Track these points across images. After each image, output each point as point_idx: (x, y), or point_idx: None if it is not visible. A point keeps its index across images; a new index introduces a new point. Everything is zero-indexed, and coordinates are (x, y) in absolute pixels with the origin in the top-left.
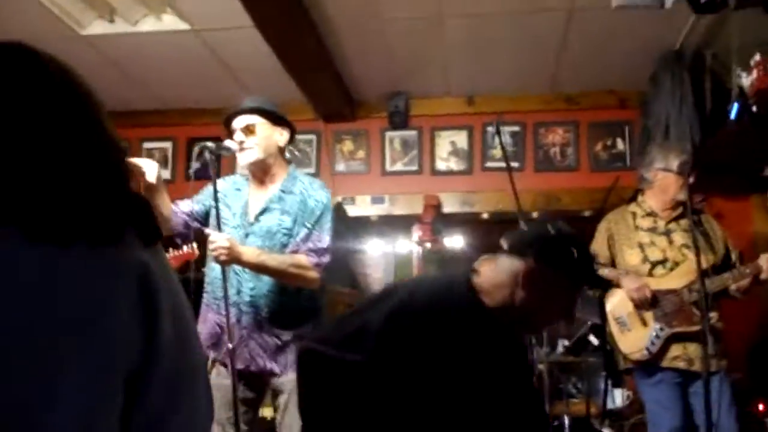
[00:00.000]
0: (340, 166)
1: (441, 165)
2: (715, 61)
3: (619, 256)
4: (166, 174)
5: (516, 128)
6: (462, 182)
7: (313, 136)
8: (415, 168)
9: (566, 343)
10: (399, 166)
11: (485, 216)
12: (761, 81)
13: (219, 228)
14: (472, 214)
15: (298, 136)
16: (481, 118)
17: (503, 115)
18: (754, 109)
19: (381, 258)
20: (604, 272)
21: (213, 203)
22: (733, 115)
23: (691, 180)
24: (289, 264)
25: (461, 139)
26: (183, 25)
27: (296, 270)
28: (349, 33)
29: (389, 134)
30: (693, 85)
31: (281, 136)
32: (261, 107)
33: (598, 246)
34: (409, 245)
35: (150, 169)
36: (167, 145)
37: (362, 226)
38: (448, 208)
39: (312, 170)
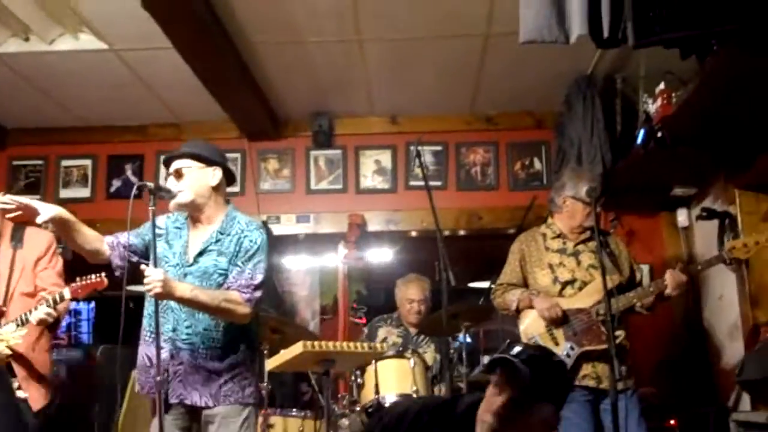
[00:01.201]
0: (265, 185)
1: (366, 183)
2: (626, 84)
3: (531, 277)
4: (86, 192)
5: (438, 147)
6: (386, 200)
7: (237, 155)
8: (340, 186)
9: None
10: (324, 185)
11: (414, 234)
12: (665, 108)
13: (155, 263)
14: (397, 233)
15: None
16: (404, 137)
17: (424, 136)
18: (659, 134)
19: (306, 275)
20: (517, 293)
21: (152, 238)
22: (639, 140)
23: (599, 209)
24: (222, 299)
25: (385, 158)
26: (101, 45)
27: (228, 305)
28: (272, 55)
29: (314, 153)
30: (604, 108)
31: (213, 176)
32: (189, 152)
33: (511, 267)
34: (335, 263)
35: (44, 210)
36: (87, 162)
37: (288, 244)
38: (372, 227)
39: (236, 189)
